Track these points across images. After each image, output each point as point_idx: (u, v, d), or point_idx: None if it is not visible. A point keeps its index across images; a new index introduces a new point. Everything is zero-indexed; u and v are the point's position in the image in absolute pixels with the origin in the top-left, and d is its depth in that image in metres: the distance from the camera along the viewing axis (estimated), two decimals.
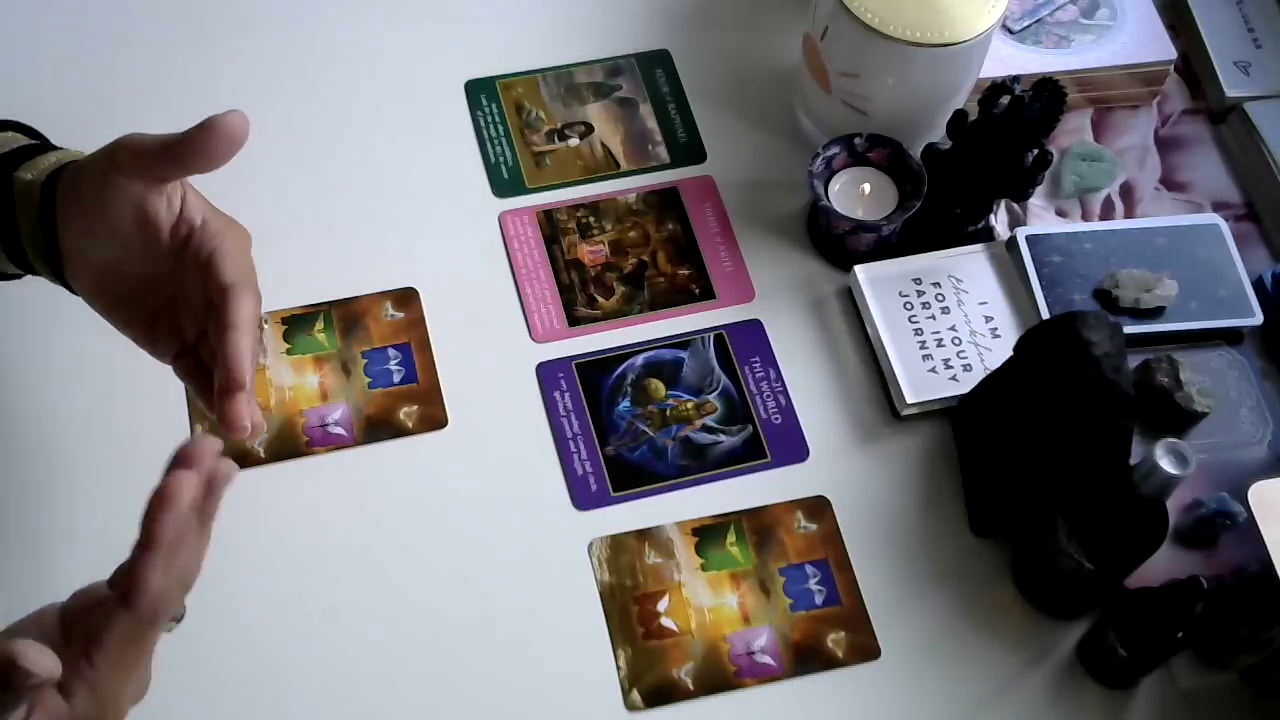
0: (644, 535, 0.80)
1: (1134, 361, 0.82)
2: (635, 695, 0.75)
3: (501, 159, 0.93)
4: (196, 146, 0.61)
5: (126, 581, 0.54)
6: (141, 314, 0.68)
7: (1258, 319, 0.86)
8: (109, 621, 0.54)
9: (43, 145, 0.69)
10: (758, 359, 0.86)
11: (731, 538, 0.80)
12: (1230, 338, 0.87)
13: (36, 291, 0.85)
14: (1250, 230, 0.93)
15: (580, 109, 0.95)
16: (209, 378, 0.67)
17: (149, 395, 0.82)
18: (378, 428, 0.82)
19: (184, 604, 0.59)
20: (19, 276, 0.72)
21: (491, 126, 0.94)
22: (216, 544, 0.78)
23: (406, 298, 0.87)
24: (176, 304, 0.68)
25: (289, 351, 0.84)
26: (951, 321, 0.86)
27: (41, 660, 0.50)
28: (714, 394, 0.85)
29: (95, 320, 0.67)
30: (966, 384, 0.82)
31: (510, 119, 0.95)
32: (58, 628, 0.55)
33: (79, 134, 0.92)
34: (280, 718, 0.74)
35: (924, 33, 0.82)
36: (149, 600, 0.54)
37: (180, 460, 0.56)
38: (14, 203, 0.66)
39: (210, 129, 0.61)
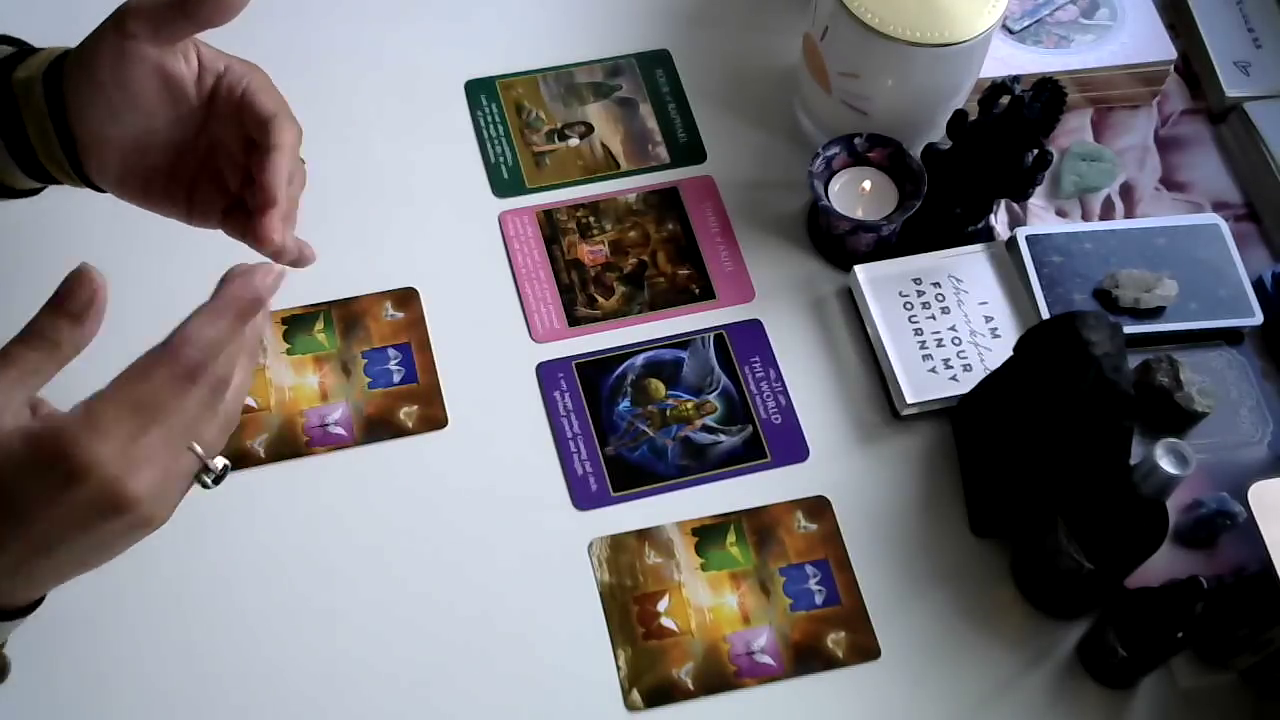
0: (644, 535, 0.80)
1: (1134, 361, 0.82)
2: (635, 695, 0.75)
3: (501, 159, 0.93)
4: None
5: (174, 332, 0.52)
6: (178, 186, 0.66)
7: (1258, 319, 0.86)
8: (141, 362, 0.52)
9: (29, 48, 0.68)
10: (758, 359, 0.86)
11: (731, 538, 0.80)
12: (1230, 338, 0.87)
13: (34, 282, 0.85)
14: (1250, 230, 0.93)
15: (580, 109, 0.95)
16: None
17: None
18: (378, 428, 0.82)
19: (224, 461, 0.56)
20: (34, 192, 0.69)
21: (491, 126, 0.94)
22: (217, 543, 0.79)
23: (406, 298, 0.87)
24: (214, 160, 0.66)
25: (289, 351, 0.84)
26: (951, 321, 0.86)
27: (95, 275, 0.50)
28: (714, 394, 0.85)
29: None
30: (966, 384, 0.82)
31: (510, 119, 0.95)
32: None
33: None
34: (281, 717, 0.74)
35: (924, 33, 0.82)
36: (190, 349, 0.51)
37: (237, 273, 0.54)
38: (16, 103, 0.63)
39: None
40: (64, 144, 0.64)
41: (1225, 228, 0.89)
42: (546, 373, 0.85)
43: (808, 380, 0.86)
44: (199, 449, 0.55)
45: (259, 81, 0.65)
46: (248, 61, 0.66)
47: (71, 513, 0.52)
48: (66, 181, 0.67)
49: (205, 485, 0.56)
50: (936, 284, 0.87)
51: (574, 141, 0.94)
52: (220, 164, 0.67)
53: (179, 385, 0.52)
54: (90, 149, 0.64)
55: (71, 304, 0.51)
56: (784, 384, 0.85)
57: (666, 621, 0.77)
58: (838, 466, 0.83)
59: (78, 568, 0.56)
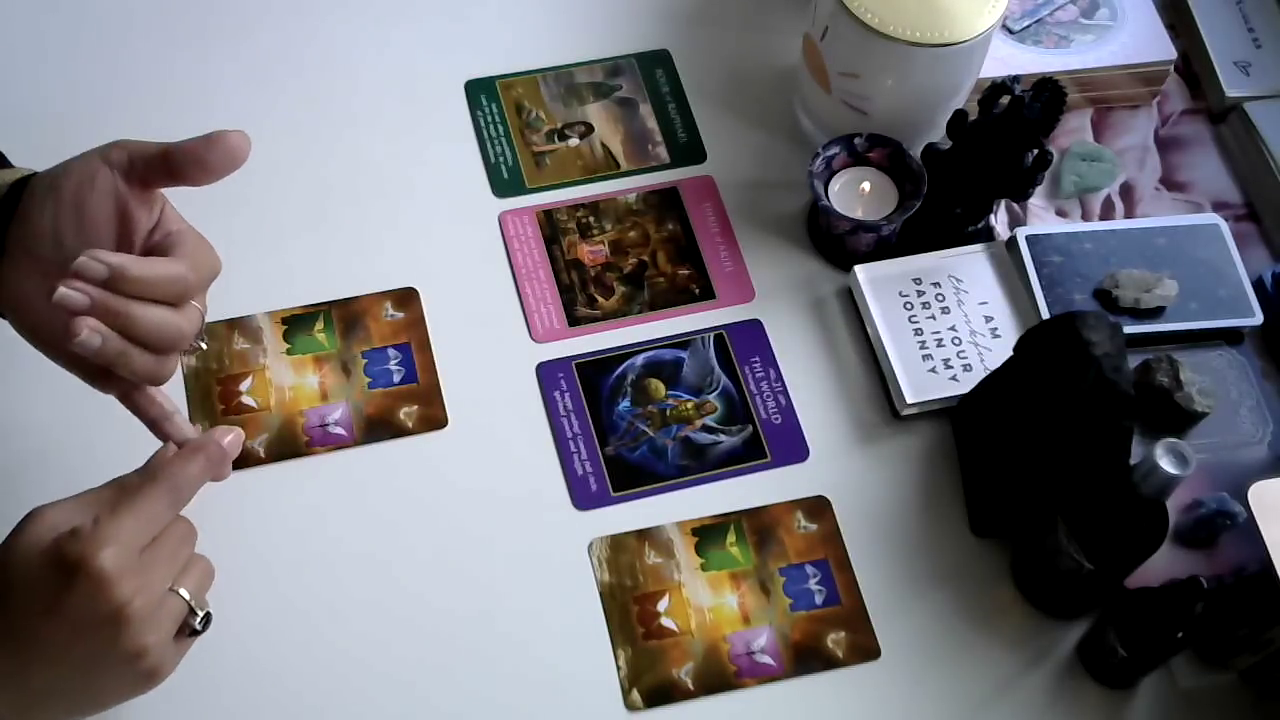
0: (644, 535, 0.80)
1: (1134, 361, 0.82)
2: (635, 695, 0.75)
3: (501, 159, 0.93)
4: (196, 157, 0.60)
5: (156, 460, 0.64)
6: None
7: (1258, 319, 0.86)
8: (134, 483, 0.61)
9: (7, 162, 0.67)
10: (758, 359, 0.86)
11: (731, 538, 0.80)
12: (1230, 338, 0.87)
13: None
14: (1250, 230, 0.93)
15: (580, 109, 0.95)
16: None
17: None
18: (378, 428, 0.82)
19: (209, 609, 0.63)
20: None
21: (491, 126, 0.94)
22: (216, 543, 0.78)
23: (406, 298, 0.87)
24: None
25: (289, 351, 0.84)
26: (951, 321, 0.86)
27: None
28: (714, 394, 0.85)
29: None
30: (966, 384, 0.82)
31: (510, 119, 0.95)
32: None
33: (79, 134, 0.92)
34: (280, 718, 0.74)
35: (924, 33, 0.82)
36: (175, 475, 0.61)
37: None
38: None
39: (214, 142, 0.60)
40: None
41: (1225, 228, 0.89)
42: (546, 373, 0.85)
43: (808, 380, 0.86)
44: (185, 593, 0.61)
45: (193, 248, 0.62)
46: (207, 242, 0.64)
47: (68, 617, 0.56)
48: None
49: (195, 631, 0.63)
50: (936, 284, 0.87)
51: (574, 141, 0.94)
52: None
53: (170, 509, 0.60)
54: (16, 259, 0.62)
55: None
56: (784, 384, 0.85)
57: (666, 621, 0.77)
58: (838, 466, 0.83)
59: (73, 706, 0.60)
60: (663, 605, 0.77)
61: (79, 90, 0.94)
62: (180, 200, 0.90)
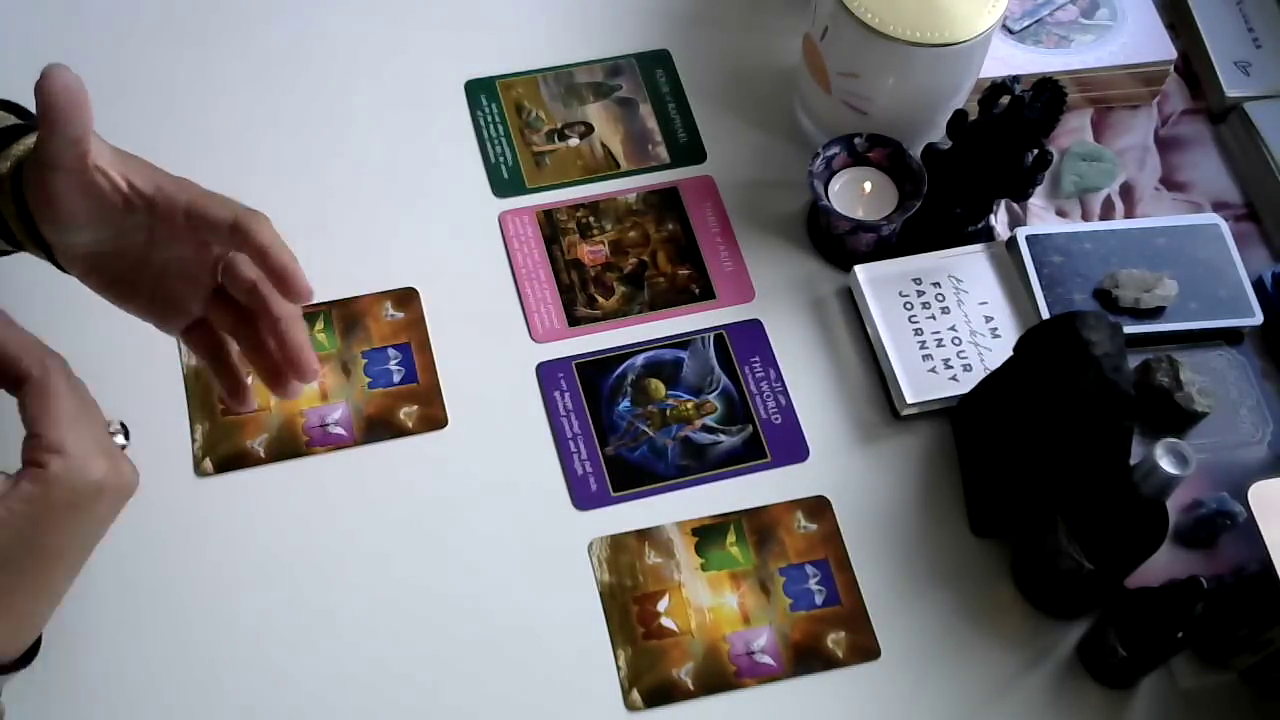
0: (644, 535, 0.80)
1: (1134, 361, 0.82)
2: (635, 695, 0.75)
3: (501, 159, 0.93)
4: (49, 114, 0.61)
5: (20, 351, 0.59)
6: (140, 290, 0.67)
7: (1258, 319, 0.86)
8: (51, 386, 0.59)
9: (23, 126, 0.68)
10: (758, 359, 0.86)
11: (731, 538, 0.80)
12: (1230, 338, 0.87)
13: (29, 281, 0.86)
14: (1250, 230, 0.93)
15: (580, 109, 0.95)
16: (222, 348, 0.70)
17: (150, 392, 0.82)
18: (378, 428, 0.82)
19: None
20: (9, 252, 0.70)
21: (491, 126, 0.94)
22: (217, 543, 0.79)
23: (406, 298, 0.87)
24: (171, 276, 0.67)
25: None
26: (951, 321, 0.86)
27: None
28: (714, 394, 0.85)
29: (91, 311, 0.66)
30: (966, 384, 0.82)
31: (510, 119, 0.95)
32: None
33: None
34: (279, 717, 0.74)
35: (924, 33, 0.82)
36: (43, 355, 0.59)
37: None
38: None
39: (43, 92, 0.61)
40: (35, 236, 0.66)
41: (1225, 228, 0.89)
42: (546, 373, 0.85)
43: (808, 380, 0.86)
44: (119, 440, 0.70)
45: (196, 194, 0.64)
46: (180, 178, 0.65)
47: (93, 522, 0.59)
48: (45, 259, 0.68)
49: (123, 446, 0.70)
50: (936, 284, 0.87)
51: (574, 141, 0.94)
52: (175, 287, 0.67)
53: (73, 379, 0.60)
54: (56, 247, 0.66)
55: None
56: (784, 384, 0.85)
57: (666, 621, 0.77)
58: (838, 466, 0.83)
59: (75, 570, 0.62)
60: (663, 605, 0.77)
61: None
62: None
